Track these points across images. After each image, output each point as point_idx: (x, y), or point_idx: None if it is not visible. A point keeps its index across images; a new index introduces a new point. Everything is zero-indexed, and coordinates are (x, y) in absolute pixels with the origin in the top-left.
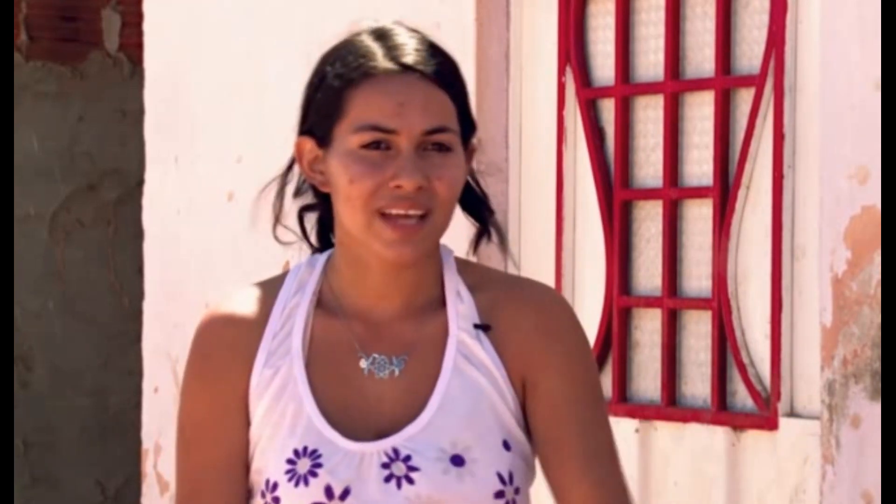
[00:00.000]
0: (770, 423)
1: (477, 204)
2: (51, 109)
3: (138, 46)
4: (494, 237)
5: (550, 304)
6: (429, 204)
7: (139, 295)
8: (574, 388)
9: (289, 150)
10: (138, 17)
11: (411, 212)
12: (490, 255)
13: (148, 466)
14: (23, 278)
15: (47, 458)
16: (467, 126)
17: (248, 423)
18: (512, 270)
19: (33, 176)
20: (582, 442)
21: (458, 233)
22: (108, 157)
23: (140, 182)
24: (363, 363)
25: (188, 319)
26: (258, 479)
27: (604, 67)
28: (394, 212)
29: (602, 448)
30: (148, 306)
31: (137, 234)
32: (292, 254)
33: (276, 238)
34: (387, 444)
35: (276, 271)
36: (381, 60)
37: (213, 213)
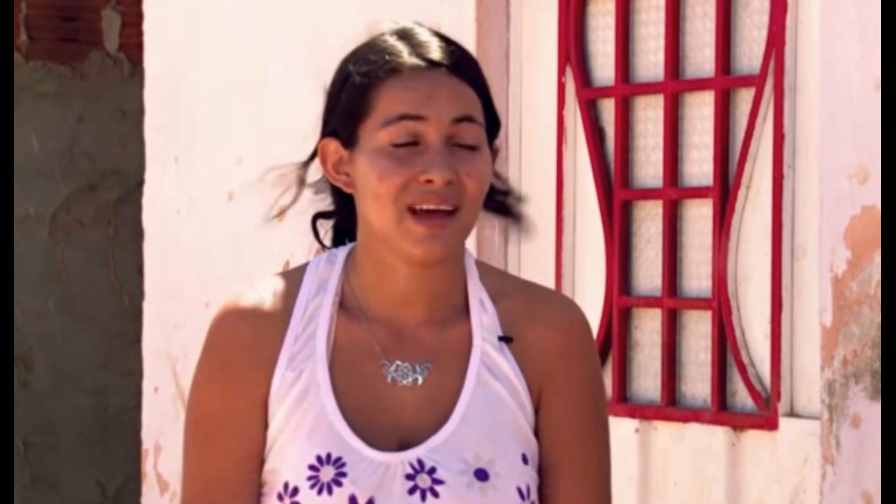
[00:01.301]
0: (770, 423)
1: (502, 196)
2: (51, 109)
3: (138, 46)
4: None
5: (570, 325)
6: (458, 199)
7: (139, 295)
8: (582, 417)
9: (289, 150)
10: (138, 17)
11: (442, 207)
12: (491, 257)
13: (148, 466)
14: (23, 278)
15: (47, 458)
16: (492, 125)
17: (265, 424)
18: (514, 256)
19: (33, 176)
20: (576, 468)
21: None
22: (108, 157)
23: (140, 182)
24: (387, 370)
25: (188, 319)
26: (272, 479)
27: (604, 67)
28: (424, 207)
29: (595, 477)
30: (148, 306)
31: (137, 234)
32: (293, 253)
33: (321, 245)
34: (411, 455)
35: (277, 271)
36: (407, 57)
37: (213, 213)
